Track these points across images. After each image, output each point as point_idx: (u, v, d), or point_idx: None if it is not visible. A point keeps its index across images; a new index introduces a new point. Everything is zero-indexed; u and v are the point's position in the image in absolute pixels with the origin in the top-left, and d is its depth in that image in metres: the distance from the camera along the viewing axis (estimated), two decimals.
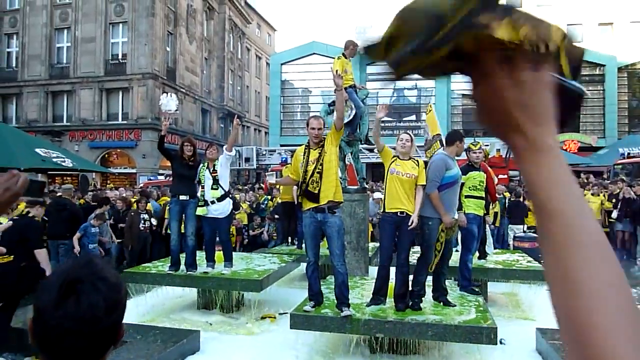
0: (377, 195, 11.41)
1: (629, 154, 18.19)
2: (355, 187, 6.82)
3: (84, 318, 0.95)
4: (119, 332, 1.05)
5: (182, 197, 6.18)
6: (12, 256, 4.94)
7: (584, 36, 30.55)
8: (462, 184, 5.78)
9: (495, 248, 9.15)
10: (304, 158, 4.87)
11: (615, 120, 28.77)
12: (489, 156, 7.56)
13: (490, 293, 7.21)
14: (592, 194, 12.42)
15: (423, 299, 4.92)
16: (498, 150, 16.78)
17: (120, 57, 25.67)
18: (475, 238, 5.93)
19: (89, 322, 0.95)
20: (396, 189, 4.79)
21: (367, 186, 7.18)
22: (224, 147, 6.19)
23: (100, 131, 25.51)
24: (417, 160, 4.94)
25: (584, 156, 25.09)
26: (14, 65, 27.13)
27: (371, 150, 20.56)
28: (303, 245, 8.08)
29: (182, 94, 27.72)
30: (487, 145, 15.84)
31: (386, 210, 4.86)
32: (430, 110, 8.79)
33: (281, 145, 26.62)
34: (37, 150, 12.80)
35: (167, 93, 28.19)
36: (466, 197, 5.89)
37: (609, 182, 13.69)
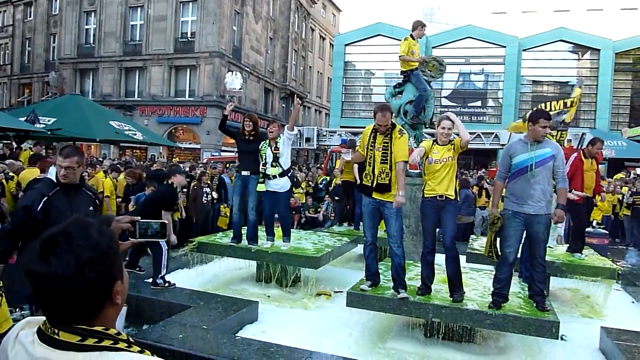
0: None
1: None
2: (417, 170, 6.73)
3: (56, 276, 0.98)
4: (111, 289, 1.06)
5: (244, 173, 6.36)
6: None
7: None
8: None
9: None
10: (369, 139, 4.78)
11: None
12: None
13: (553, 288, 6.96)
14: None
15: (502, 297, 4.53)
16: (569, 141, 15.94)
17: (189, 35, 26.44)
18: None
19: (61, 280, 0.98)
20: (434, 175, 4.66)
21: None
22: (286, 127, 6.25)
23: (168, 107, 26.55)
24: (453, 142, 4.73)
25: None
26: (91, 41, 28.64)
27: (433, 135, 20.19)
28: (360, 227, 8.12)
29: (247, 73, 28.21)
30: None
31: (425, 196, 4.73)
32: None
33: (341, 127, 26.62)
34: (112, 122, 13.56)
35: (232, 72, 28.69)
36: None
37: None
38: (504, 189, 4.76)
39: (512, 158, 4.50)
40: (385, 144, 4.66)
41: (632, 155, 21.24)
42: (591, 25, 28.77)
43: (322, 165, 18.39)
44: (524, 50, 28.30)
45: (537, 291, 4.53)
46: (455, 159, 4.67)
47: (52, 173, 3.48)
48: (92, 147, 25.58)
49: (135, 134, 14.06)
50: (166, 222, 1.61)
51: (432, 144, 4.73)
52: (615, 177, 15.86)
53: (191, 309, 4.88)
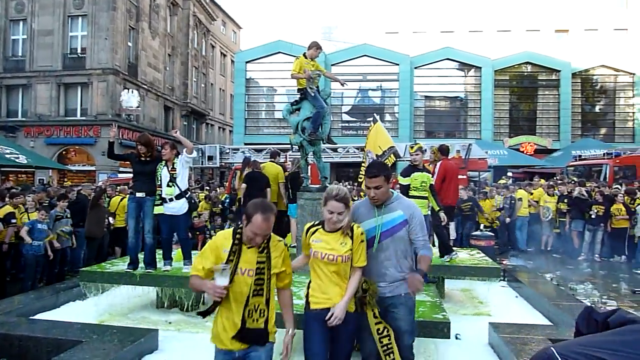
0: None
1: (580, 156, 19.01)
2: (317, 185, 6.89)
3: None
4: None
5: (138, 195, 6.10)
6: None
7: (541, 42, 31.73)
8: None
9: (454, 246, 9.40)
10: (233, 255, 2.86)
11: (569, 124, 30.02)
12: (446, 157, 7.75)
13: (447, 290, 7.42)
14: (549, 195, 12.97)
15: None
16: (458, 151, 17.24)
17: (79, 51, 24.93)
18: None
19: None
20: (319, 274, 3.22)
21: (328, 185, 7.25)
22: (184, 150, 6.12)
23: (57, 127, 24.70)
24: (352, 229, 3.20)
25: (540, 158, 26.08)
26: None
27: (335, 150, 20.71)
28: None
29: (144, 91, 27.18)
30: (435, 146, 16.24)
31: (310, 307, 3.24)
32: (375, 123, 9.04)
33: (245, 144, 26.45)
34: None
35: (128, 89, 27.66)
36: (409, 197, 5.97)
37: (559, 182, 14.29)
38: None
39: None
40: (265, 261, 2.87)
41: (512, 162, 23.42)
42: (473, 44, 31.38)
43: (226, 184, 18.12)
44: (415, 67, 30.17)
45: None
46: (351, 259, 3.18)
47: None
48: None
49: (18, 157, 12.95)
50: None
51: (316, 227, 3.29)
52: (499, 181, 17.35)
53: (83, 344, 4.54)
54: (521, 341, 4.74)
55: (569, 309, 6.03)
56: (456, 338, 5.32)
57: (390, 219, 3.34)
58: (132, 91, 24.77)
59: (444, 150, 7.56)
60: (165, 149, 6.00)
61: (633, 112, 30.59)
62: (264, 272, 2.89)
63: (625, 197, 11.67)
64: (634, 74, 30.21)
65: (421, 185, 6.43)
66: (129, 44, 26.33)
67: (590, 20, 32.03)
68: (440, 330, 4.38)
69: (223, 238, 2.97)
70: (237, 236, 2.91)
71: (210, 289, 2.76)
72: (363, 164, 9.28)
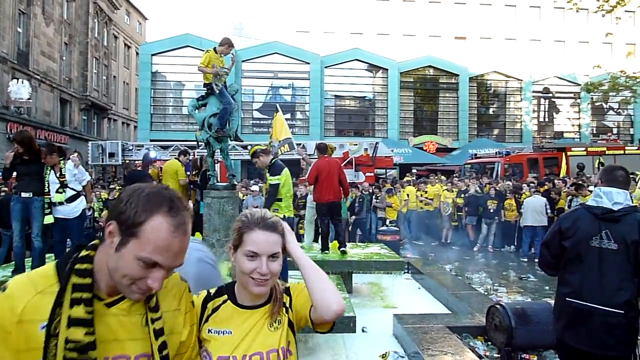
0: (254, 187, 11.51)
1: (476, 154, 20.42)
2: (225, 183, 6.73)
3: None
4: None
5: (24, 195, 5.56)
6: None
7: (442, 48, 33.67)
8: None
9: (362, 241, 9.66)
10: None
11: (467, 125, 32.17)
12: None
13: (355, 284, 7.60)
14: (447, 190, 13.76)
15: None
16: (365, 149, 17.77)
17: None
18: None
19: None
20: None
21: (236, 183, 7.12)
22: (73, 163, 5.77)
23: None
24: (288, 290, 1.64)
25: (441, 156, 27.69)
26: None
27: (245, 147, 20.43)
28: None
29: (37, 81, 24.96)
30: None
31: None
32: (277, 113, 9.18)
33: (151, 140, 25.28)
34: None
35: (17, 79, 25.29)
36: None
37: (457, 179, 15.25)
38: None
39: None
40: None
41: (416, 160, 24.64)
42: (381, 47, 32.52)
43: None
44: (325, 67, 30.64)
45: None
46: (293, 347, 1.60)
47: None
48: None
49: None
50: None
51: (217, 300, 1.54)
52: (404, 178, 18.13)
53: None
54: (422, 330, 4.96)
55: (466, 297, 6.43)
56: (363, 331, 5.45)
57: None
58: (22, 81, 22.62)
59: (320, 149, 7.54)
60: (43, 155, 5.53)
61: (521, 115, 33.51)
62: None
63: (515, 194, 12.72)
64: (521, 80, 33.10)
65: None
66: (19, 29, 24.02)
67: (485, 29, 34.58)
68: (347, 324, 4.46)
69: (33, 291, 1.13)
70: (84, 280, 1.15)
71: None
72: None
